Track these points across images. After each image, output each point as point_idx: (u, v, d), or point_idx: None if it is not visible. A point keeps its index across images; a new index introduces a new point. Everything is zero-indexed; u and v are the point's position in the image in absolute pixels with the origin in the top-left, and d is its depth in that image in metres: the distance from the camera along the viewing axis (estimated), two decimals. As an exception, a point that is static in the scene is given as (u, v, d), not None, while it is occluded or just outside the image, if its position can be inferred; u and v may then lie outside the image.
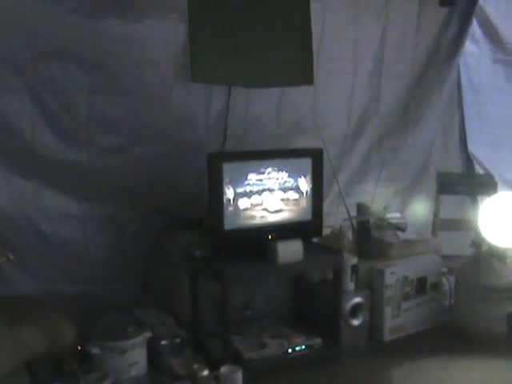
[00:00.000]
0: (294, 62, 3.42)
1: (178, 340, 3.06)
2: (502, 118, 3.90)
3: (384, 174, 3.96)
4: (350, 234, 3.64)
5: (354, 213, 3.73)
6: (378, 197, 3.94)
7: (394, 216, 3.85)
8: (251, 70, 3.30)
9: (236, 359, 2.93)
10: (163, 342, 3.02)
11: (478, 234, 3.48)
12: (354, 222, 3.64)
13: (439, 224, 4.01)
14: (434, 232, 4.02)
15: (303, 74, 3.45)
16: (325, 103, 3.74)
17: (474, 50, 3.98)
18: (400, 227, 3.54)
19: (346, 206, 3.73)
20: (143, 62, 3.10)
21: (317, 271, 3.30)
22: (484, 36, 3.93)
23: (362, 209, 3.69)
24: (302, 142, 3.71)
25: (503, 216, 3.34)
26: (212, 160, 2.97)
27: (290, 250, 2.98)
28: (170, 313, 3.22)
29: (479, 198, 4.17)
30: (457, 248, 4.03)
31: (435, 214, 4.04)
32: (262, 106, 3.55)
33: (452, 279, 3.73)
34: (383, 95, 3.93)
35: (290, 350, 3.07)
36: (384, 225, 3.59)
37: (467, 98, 4.05)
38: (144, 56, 3.10)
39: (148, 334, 2.92)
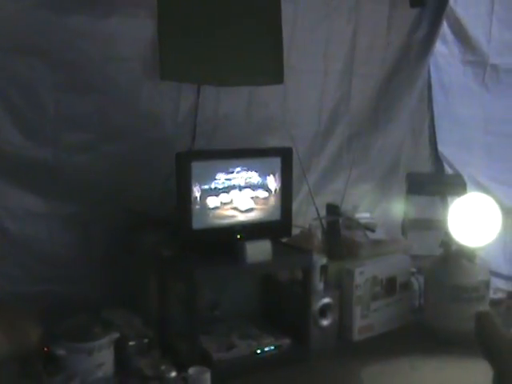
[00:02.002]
0: (264, 61, 3.42)
1: (146, 341, 3.01)
2: (471, 118, 3.92)
3: (354, 173, 3.96)
4: (319, 234, 3.62)
5: (323, 212, 3.73)
6: (347, 197, 3.94)
7: (363, 216, 3.86)
8: (221, 68, 3.29)
9: (204, 360, 2.89)
10: (131, 343, 2.97)
11: (446, 233, 3.49)
12: (324, 221, 3.63)
13: (409, 224, 4.01)
14: (403, 232, 4.03)
15: (273, 73, 3.45)
16: (295, 102, 3.72)
17: (444, 50, 3.99)
18: (369, 227, 3.54)
19: (315, 206, 3.73)
20: (111, 58, 3.04)
21: (286, 271, 3.27)
22: (454, 37, 3.94)
23: (331, 209, 3.69)
24: (272, 141, 3.67)
25: (472, 216, 3.36)
26: (180, 159, 2.93)
27: (259, 250, 2.96)
28: (138, 313, 3.17)
29: (448, 198, 4.20)
30: (426, 248, 4.05)
31: (405, 214, 4.04)
32: (231, 105, 3.52)
33: (421, 279, 3.75)
34: (354, 95, 3.92)
35: (258, 351, 3.05)
36: (354, 225, 3.59)
37: (437, 98, 4.06)
38: (112, 52, 3.04)
39: (115, 335, 2.87)
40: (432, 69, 4.05)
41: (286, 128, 3.68)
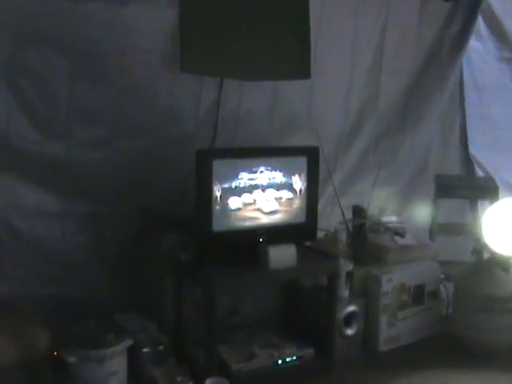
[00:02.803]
0: (290, 55, 3.25)
1: (161, 348, 2.87)
2: (507, 118, 3.71)
3: (381, 175, 3.78)
4: (344, 238, 3.44)
5: (349, 215, 3.55)
6: (373, 199, 3.76)
7: (390, 220, 3.68)
8: (245, 61, 3.13)
9: (223, 370, 2.73)
10: (145, 350, 2.83)
11: (479, 240, 3.30)
12: (350, 225, 3.45)
13: (437, 228, 3.83)
14: (431, 237, 3.84)
15: (299, 67, 3.28)
16: (321, 99, 3.54)
17: (479, 47, 3.78)
18: (399, 232, 3.36)
19: (341, 208, 3.55)
20: (129, 49, 2.87)
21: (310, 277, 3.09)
22: (489, 33, 3.73)
23: (357, 211, 3.51)
24: (296, 140, 3.52)
25: (507, 223, 3.16)
26: (201, 156, 2.77)
27: (283, 255, 2.79)
28: (153, 318, 3.03)
29: (479, 202, 4.01)
30: (455, 254, 3.86)
31: (433, 218, 3.85)
32: (254, 101, 3.35)
33: (450, 286, 3.56)
34: (382, 92, 3.73)
35: (280, 361, 2.88)
36: (381, 229, 3.40)
37: (470, 97, 3.86)
38: (130, 43, 2.86)
39: (129, 342, 2.72)
40: (465, 66, 3.85)
41: (311, 126, 3.51)
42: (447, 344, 3.32)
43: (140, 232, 3.12)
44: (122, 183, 3.06)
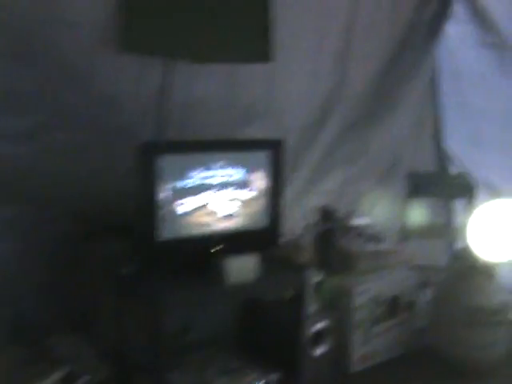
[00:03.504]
0: (248, 36, 2.86)
1: (100, 377, 2.41)
2: (487, 110, 3.35)
3: (349, 172, 3.40)
4: (309, 243, 3.05)
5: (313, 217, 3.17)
6: (340, 198, 3.39)
7: (360, 222, 3.31)
8: (196, 41, 2.71)
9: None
10: (80, 381, 2.36)
11: (460, 245, 2.96)
12: (316, 229, 3.06)
13: (410, 230, 3.47)
14: (403, 239, 3.48)
15: (259, 49, 2.88)
16: (282, 86, 3.12)
17: (457, 31, 3.41)
18: (376, 237, 2.98)
19: (304, 210, 3.16)
20: (58, 22, 2.38)
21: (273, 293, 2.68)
22: (470, 15, 3.36)
23: (326, 214, 3.12)
24: (255, 132, 3.09)
25: (493, 227, 2.81)
26: (143, 152, 2.33)
27: (241, 268, 2.39)
28: (91, 341, 2.58)
29: (455, 201, 3.68)
30: (429, 258, 3.53)
31: (405, 219, 3.50)
32: (207, 87, 2.90)
33: (426, 294, 3.21)
34: (350, 80, 3.34)
35: (241, 391, 2.46)
36: (351, 233, 3.01)
37: (445, 85, 3.51)
38: (60, 14, 2.38)
39: (60, 374, 2.27)
40: (441, 52, 3.48)
41: (271, 116, 3.10)
42: (427, 361, 2.97)
43: (74, 241, 2.66)
44: (51, 183, 2.59)
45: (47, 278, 2.65)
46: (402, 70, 3.44)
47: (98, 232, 2.64)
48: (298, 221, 3.24)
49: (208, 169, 2.47)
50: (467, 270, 2.89)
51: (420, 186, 3.49)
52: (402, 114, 3.53)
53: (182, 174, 2.40)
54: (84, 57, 2.50)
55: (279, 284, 2.59)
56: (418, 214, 3.53)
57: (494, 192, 3.48)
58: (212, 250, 2.49)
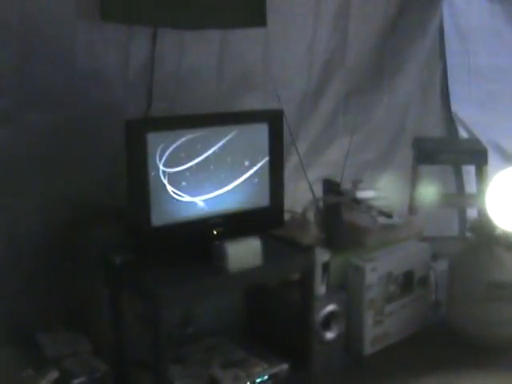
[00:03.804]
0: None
1: (97, 376, 2.24)
2: (498, 69, 3.13)
3: (354, 140, 3.19)
4: (315, 219, 2.86)
5: (318, 190, 2.98)
6: (346, 169, 3.19)
7: (367, 193, 3.12)
8: (186, 6, 2.47)
9: (176, 403, 2.14)
10: (76, 382, 2.19)
11: (477, 215, 2.77)
12: (321, 203, 2.87)
13: (419, 200, 3.28)
14: (411, 210, 3.30)
15: (254, 13, 2.66)
16: (280, 52, 2.92)
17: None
18: (385, 213, 2.78)
19: (309, 183, 2.97)
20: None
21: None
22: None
23: (329, 186, 2.93)
24: (251, 102, 2.90)
25: None
26: (132, 129, 2.11)
27: (244, 254, 2.18)
28: (87, 336, 2.41)
29: (464, 167, 3.50)
30: (439, 228, 3.37)
31: (413, 188, 3.30)
32: (199, 57, 2.69)
33: (438, 268, 3.04)
34: (351, 43, 3.12)
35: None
36: (362, 208, 2.82)
37: (453, 45, 3.28)
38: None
39: (53, 375, 2.09)
40: (446, 9, 3.24)
41: (268, 85, 2.88)
42: (443, 339, 2.82)
43: (62, 229, 2.46)
44: (35, 168, 2.38)
45: (37, 269, 2.46)
46: (407, 30, 3.22)
47: (88, 218, 2.45)
48: (300, 194, 3.07)
49: (203, 145, 2.25)
50: (485, 242, 2.71)
51: (427, 152, 3.29)
52: (407, 78, 3.32)
53: (175, 152, 2.18)
54: (64, 29, 2.28)
55: (286, 269, 2.39)
56: (426, 182, 3.34)
57: (505, 156, 3.31)
58: (213, 232, 2.30)
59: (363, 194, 3.05)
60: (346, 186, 3.06)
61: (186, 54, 2.64)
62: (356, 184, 3.11)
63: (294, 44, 2.98)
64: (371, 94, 3.23)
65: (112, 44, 2.42)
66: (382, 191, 3.10)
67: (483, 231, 2.71)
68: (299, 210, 3.14)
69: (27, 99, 2.31)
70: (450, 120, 3.52)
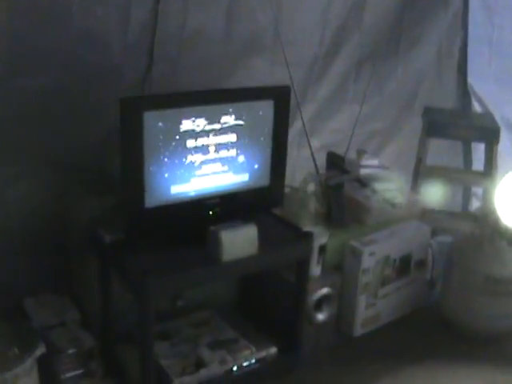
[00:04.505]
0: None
1: (84, 349, 2.23)
2: None
3: (363, 109, 3.03)
4: (315, 194, 2.76)
5: (320, 158, 2.87)
6: (352, 138, 3.06)
7: (370, 164, 3.01)
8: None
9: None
10: (62, 355, 2.19)
11: (483, 203, 2.68)
12: (323, 176, 2.77)
13: (423, 172, 3.18)
14: (415, 183, 3.20)
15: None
16: (292, 13, 2.72)
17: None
18: (389, 200, 2.68)
19: (312, 152, 2.85)
20: None
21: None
22: None
23: (333, 160, 2.82)
24: (259, 65, 2.76)
25: None
26: (127, 108, 1.97)
27: (240, 242, 2.10)
28: (75, 303, 2.38)
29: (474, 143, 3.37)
30: (442, 202, 3.27)
31: (418, 161, 3.19)
32: (205, 15, 2.51)
33: (436, 245, 2.99)
34: (369, 4, 2.91)
35: (235, 368, 2.27)
36: (368, 193, 2.71)
37: (476, 16, 3.07)
38: None
39: (39, 351, 2.05)
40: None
41: (277, 48, 2.71)
42: (433, 323, 2.80)
43: (53, 196, 2.37)
44: (25, 133, 2.27)
45: (25, 235, 2.39)
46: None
47: (79, 189, 2.36)
48: (302, 162, 2.97)
49: (203, 123, 2.13)
50: (488, 234, 2.63)
51: (438, 124, 3.15)
52: (426, 48, 3.13)
53: (174, 132, 2.06)
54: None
55: (282, 256, 2.32)
56: (432, 154, 3.22)
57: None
58: (209, 213, 2.21)
59: (365, 163, 2.94)
60: (351, 155, 2.95)
61: (191, 13, 2.45)
62: (359, 153, 2.99)
63: (308, 5, 2.77)
64: (385, 62, 3.04)
65: (112, 3, 2.23)
66: (386, 161, 3.00)
67: (487, 223, 2.62)
68: (300, 177, 3.05)
69: (18, 62, 2.16)
70: (464, 92, 3.35)
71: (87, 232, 2.24)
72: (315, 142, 2.97)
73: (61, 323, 2.31)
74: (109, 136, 2.32)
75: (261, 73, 2.76)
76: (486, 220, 2.62)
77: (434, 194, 3.21)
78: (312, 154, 2.87)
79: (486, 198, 3.12)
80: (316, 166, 2.88)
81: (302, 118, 2.87)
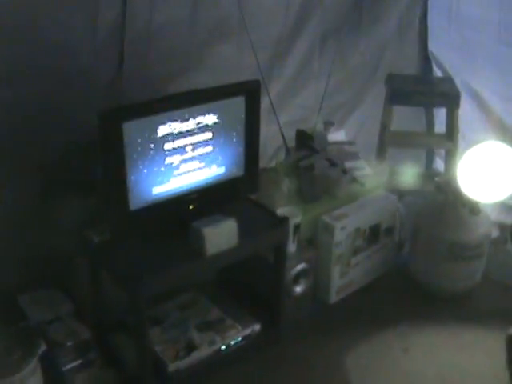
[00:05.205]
0: None
1: (82, 341, 2.37)
2: (482, 20, 3.01)
3: (327, 83, 3.13)
4: (286, 174, 2.88)
5: (288, 133, 2.99)
6: (316, 111, 3.17)
7: (336, 136, 3.15)
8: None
9: (157, 370, 2.30)
10: (62, 349, 2.32)
11: (443, 176, 2.84)
12: (294, 156, 2.89)
13: (388, 138, 3.31)
14: (381, 149, 3.34)
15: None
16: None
17: None
18: (359, 181, 2.82)
19: (280, 129, 2.98)
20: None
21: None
22: None
23: (302, 138, 2.94)
24: (226, 51, 2.81)
25: (484, 168, 2.66)
26: (105, 120, 2.05)
27: (222, 236, 2.24)
28: (69, 296, 2.53)
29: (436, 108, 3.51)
30: (406, 165, 3.42)
31: (384, 127, 3.32)
32: (171, 9, 2.54)
33: (402, 209, 3.17)
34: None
35: (223, 347, 2.45)
36: (339, 173, 2.84)
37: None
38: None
39: (41, 349, 2.19)
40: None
41: (243, 32, 2.77)
42: (402, 285, 3.02)
43: (37, 197, 2.46)
44: (4, 139, 2.32)
45: (15, 231, 2.47)
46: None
47: (64, 186, 2.45)
48: (271, 137, 3.08)
49: (179, 126, 2.22)
50: (450, 202, 2.80)
51: (401, 92, 3.26)
52: (386, 20, 3.20)
53: (152, 137, 2.15)
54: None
55: (260, 244, 2.47)
56: (394, 120, 3.35)
57: (477, 98, 3.32)
58: (189, 207, 2.34)
59: (331, 136, 3.07)
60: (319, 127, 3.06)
61: (158, 7, 2.49)
62: (327, 125, 3.11)
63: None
64: (348, 37, 3.12)
65: (78, 9, 2.26)
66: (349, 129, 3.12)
67: (449, 191, 2.79)
68: (270, 151, 3.19)
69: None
70: (425, 58, 3.45)
71: (74, 232, 2.35)
72: (283, 118, 3.07)
73: (57, 318, 2.44)
74: (86, 138, 2.38)
75: (228, 58, 2.82)
76: (448, 189, 2.78)
77: (399, 157, 3.38)
78: (281, 130, 2.98)
79: (448, 162, 3.29)
80: (285, 141, 3.01)
81: (269, 95, 2.96)
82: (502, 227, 3.20)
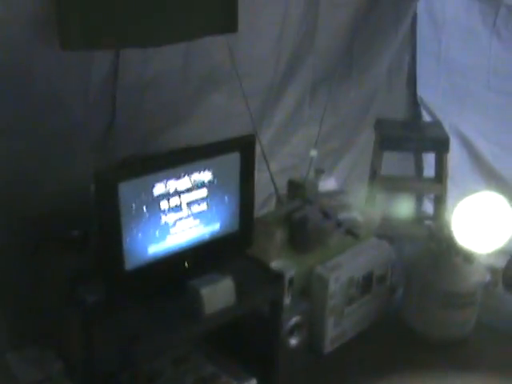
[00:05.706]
0: (212, 6, 2.41)
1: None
2: (470, 67, 3.06)
3: (318, 130, 3.13)
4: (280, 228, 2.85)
5: (279, 181, 2.98)
6: (308, 158, 3.16)
7: (327, 183, 3.15)
8: (149, 21, 2.27)
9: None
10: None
11: (438, 225, 2.85)
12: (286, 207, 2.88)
13: (379, 184, 3.32)
14: (371, 194, 3.35)
15: (225, 19, 2.47)
16: (247, 48, 2.76)
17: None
18: (353, 233, 2.81)
19: (273, 180, 2.98)
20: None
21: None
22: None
23: (294, 188, 2.94)
24: (217, 99, 2.80)
25: (478, 218, 2.68)
26: (101, 180, 2.02)
27: (219, 295, 2.21)
28: (58, 352, 2.45)
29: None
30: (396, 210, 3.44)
31: (374, 173, 3.33)
32: (163, 61, 2.53)
33: (393, 254, 3.15)
34: (321, 29, 2.97)
35: (218, 405, 2.41)
36: (331, 225, 2.83)
37: (424, 32, 3.17)
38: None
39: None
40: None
41: (235, 81, 2.76)
42: (395, 332, 3.01)
43: (28, 251, 2.41)
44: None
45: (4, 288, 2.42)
46: (381, 18, 3.06)
47: (53, 244, 2.40)
48: (263, 185, 3.06)
49: (175, 184, 2.19)
50: (444, 250, 2.80)
51: (390, 137, 3.29)
52: (379, 69, 3.22)
53: (148, 197, 2.12)
54: (20, 55, 2.08)
55: (257, 302, 2.44)
56: (384, 165, 3.36)
57: (465, 142, 3.35)
58: (184, 265, 2.30)
59: (322, 183, 3.07)
60: (309, 176, 3.06)
61: (150, 60, 2.47)
62: (318, 173, 3.10)
63: (261, 36, 2.81)
64: (339, 85, 3.13)
65: (72, 66, 2.23)
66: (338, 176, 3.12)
67: (443, 239, 2.79)
68: (261, 200, 3.17)
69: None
70: (414, 103, 3.48)
71: (66, 289, 2.30)
72: (274, 165, 3.06)
73: (46, 378, 2.38)
74: (79, 192, 2.34)
75: (219, 106, 2.81)
76: (441, 236, 2.78)
77: (389, 202, 3.39)
78: (272, 178, 2.97)
79: (438, 206, 3.30)
80: (276, 189, 3.00)
81: (260, 144, 2.95)
82: (493, 271, 3.21)
